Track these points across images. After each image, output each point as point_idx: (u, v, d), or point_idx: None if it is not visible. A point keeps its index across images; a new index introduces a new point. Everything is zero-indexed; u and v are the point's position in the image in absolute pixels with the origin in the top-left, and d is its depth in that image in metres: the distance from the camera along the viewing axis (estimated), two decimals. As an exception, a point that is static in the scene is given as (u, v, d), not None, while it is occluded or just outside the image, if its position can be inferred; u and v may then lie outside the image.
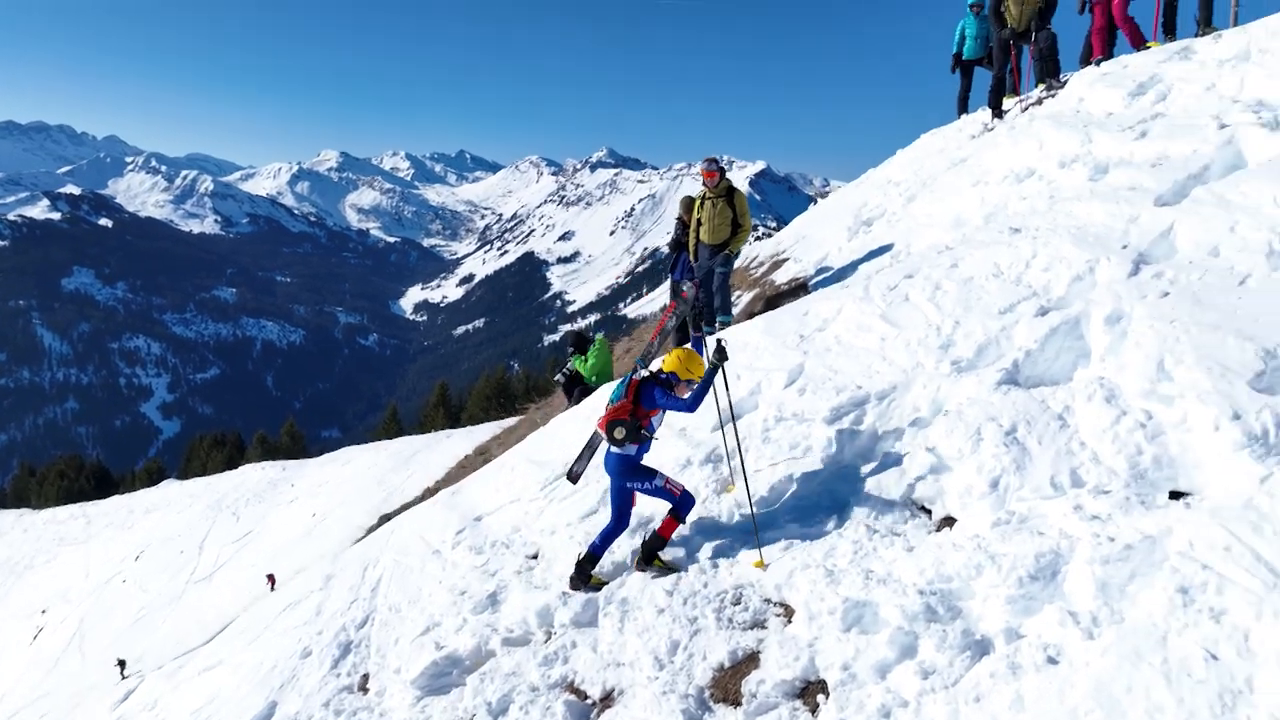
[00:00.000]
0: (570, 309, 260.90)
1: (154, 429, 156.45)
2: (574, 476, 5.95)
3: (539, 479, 6.91)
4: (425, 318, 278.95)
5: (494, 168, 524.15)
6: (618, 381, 4.92)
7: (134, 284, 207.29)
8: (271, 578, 12.00)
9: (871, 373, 5.30)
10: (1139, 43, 9.24)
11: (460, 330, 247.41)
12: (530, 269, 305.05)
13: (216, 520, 18.77)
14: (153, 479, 36.42)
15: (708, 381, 4.71)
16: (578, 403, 9.20)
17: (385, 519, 11.67)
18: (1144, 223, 5.07)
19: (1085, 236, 5.17)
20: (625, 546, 5.21)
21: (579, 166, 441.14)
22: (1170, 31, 9.08)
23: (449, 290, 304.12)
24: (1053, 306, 4.85)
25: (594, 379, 9.62)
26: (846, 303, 6.13)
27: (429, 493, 11.99)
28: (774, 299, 9.31)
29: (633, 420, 4.79)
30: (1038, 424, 4.15)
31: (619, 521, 5.05)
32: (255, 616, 9.29)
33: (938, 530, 4.18)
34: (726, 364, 4.74)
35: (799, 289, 9.19)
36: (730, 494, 5.26)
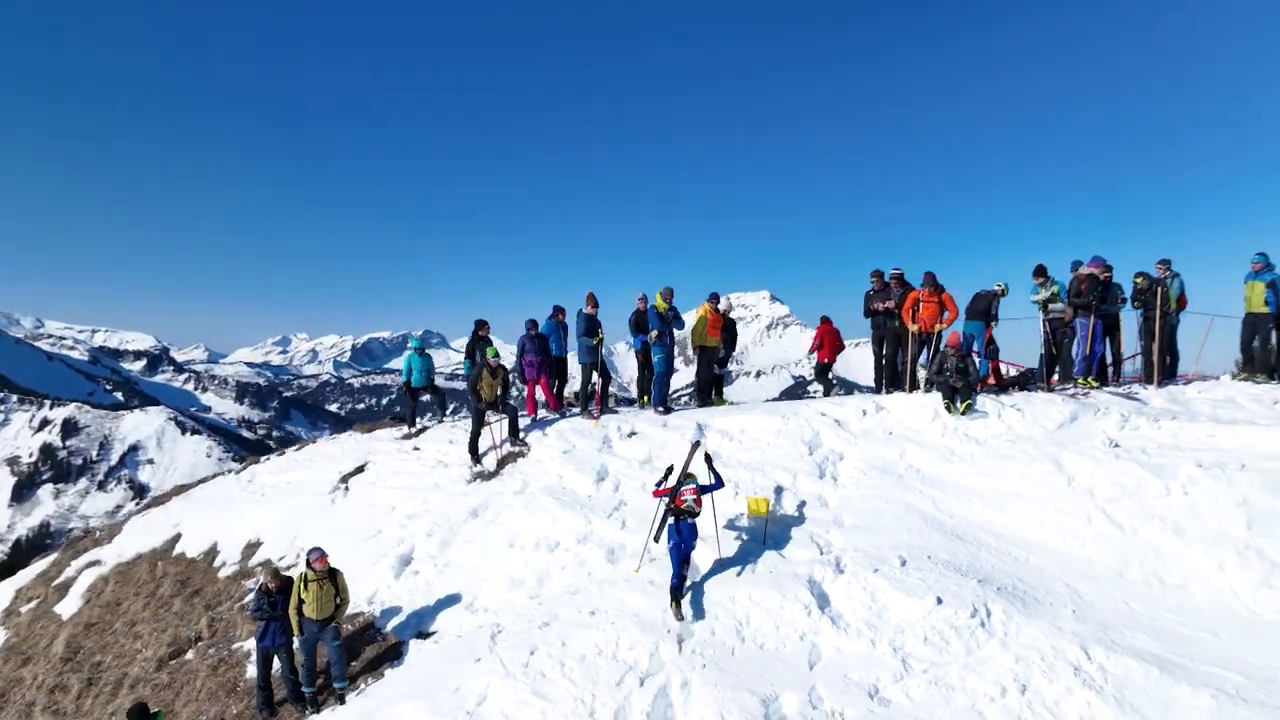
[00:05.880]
0: None
1: None
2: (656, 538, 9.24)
3: None
4: None
5: None
6: (708, 476, 9.35)
7: None
8: None
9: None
10: (556, 408, 14.27)
11: None
12: None
13: None
14: None
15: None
16: None
17: None
18: (669, 610, 8.62)
19: (643, 622, 8.23)
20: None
21: None
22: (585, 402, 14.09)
23: None
24: (646, 676, 7.80)
25: None
26: (493, 679, 7.88)
27: None
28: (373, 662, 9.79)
29: None
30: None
31: (684, 565, 8.49)
32: None
33: None
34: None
35: (393, 649, 9.44)
36: None
